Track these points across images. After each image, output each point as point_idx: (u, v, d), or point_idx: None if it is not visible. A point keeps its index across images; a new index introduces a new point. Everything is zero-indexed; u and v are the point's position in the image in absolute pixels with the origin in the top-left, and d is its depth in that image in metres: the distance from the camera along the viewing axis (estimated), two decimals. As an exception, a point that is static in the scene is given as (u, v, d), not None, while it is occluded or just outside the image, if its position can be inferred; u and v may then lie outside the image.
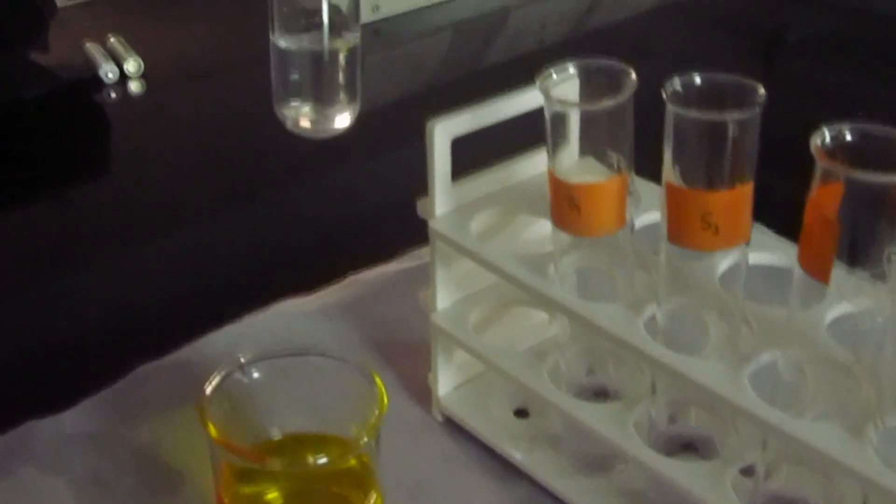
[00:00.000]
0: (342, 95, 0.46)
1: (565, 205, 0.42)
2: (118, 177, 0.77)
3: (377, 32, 0.98)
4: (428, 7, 1.02)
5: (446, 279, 0.51)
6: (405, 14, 1.01)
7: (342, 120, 0.46)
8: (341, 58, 0.46)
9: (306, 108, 0.46)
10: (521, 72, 0.91)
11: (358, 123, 0.83)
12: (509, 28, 1.04)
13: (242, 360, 0.44)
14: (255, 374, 0.45)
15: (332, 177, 0.75)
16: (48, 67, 0.85)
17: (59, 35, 0.89)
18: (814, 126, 0.85)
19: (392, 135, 0.81)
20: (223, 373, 0.44)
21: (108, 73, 0.87)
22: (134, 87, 0.87)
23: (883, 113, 0.83)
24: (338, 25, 0.45)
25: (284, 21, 0.45)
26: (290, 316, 0.59)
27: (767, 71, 1.00)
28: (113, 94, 0.86)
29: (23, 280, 0.65)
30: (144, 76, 0.88)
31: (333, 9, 0.45)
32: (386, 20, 0.99)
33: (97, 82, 0.86)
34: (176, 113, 0.85)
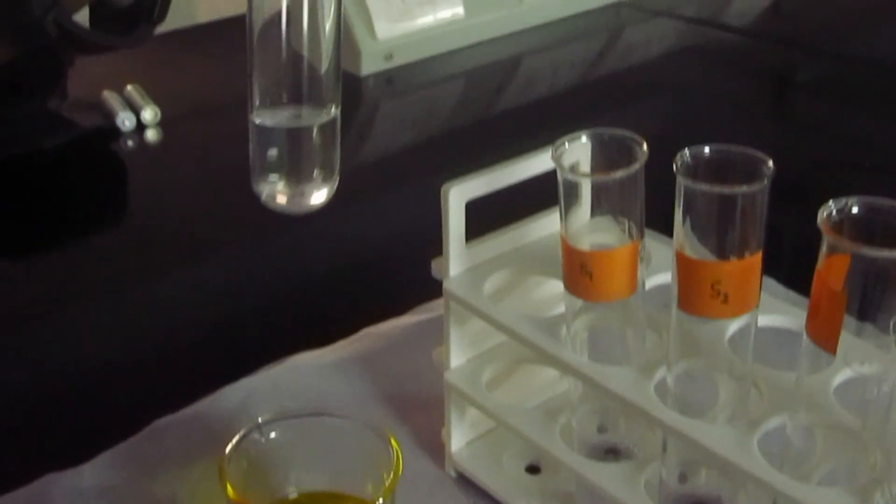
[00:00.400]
0: (319, 171, 0.45)
1: (577, 271, 0.43)
2: (132, 226, 0.78)
3: (390, 81, 0.99)
4: (440, 55, 1.03)
5: (460, 337, 0.51)
6: (418, 62, 1.02)
7: (318, 196, 0.45)
8: (320, 133, 0.45)
9: (282, 185, 0.45)
10: (534, 117, 0.92)
11: (372, 172, 0.85)
12: (521, 75, 1.06)
13: (260, 420, 0.45)
14: (273, 434, 0.45)
15: (345, 224, 0.76)
16: (66, 116, 0.87)
17: (78, 83, 0.90)
18: (822, 164, 0.86)
19: (406, 183, 0.83)
20: (241, 433, 0.45)
21: (125, 121, 0.88)
22: (151, 134, 0.89)
23: (890, 154, 0.85)
24: (317, 99, 0.45)
25: (262, 95, 0.45)
26: (305, 369, 0.60)
27: (776, 110, 1.01)
28: (130, 143, 0.88)
29: (39, 331, 0.66)
30: (161, 123, 0.89)
31: (313, 81, 0.45)
32: (399, 69, 1.01)
33: (114, 131, 0.87)
34: (191, 160, 0.86)
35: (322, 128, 0.45)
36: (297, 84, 0.45)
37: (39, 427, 0.58)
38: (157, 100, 0.90)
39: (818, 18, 1.21)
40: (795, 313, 0.47)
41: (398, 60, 1.01)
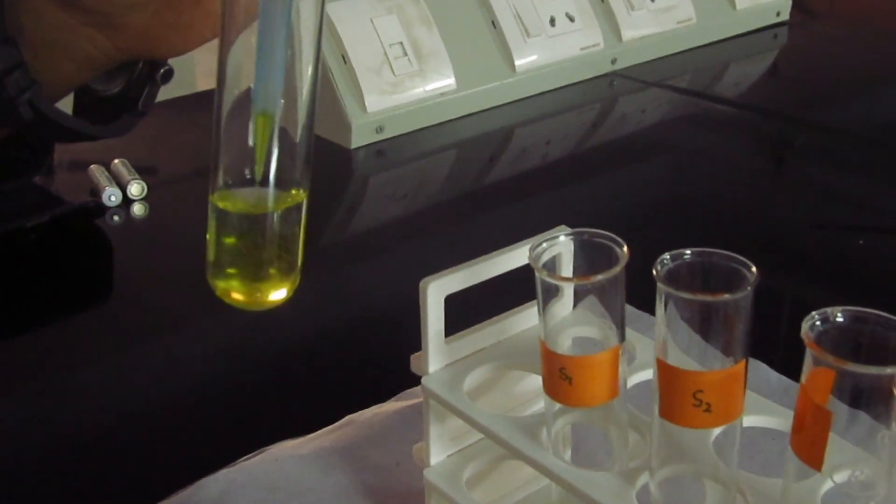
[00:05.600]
0: (282, 264, 0.42)
1: (556, 375, 0.42)
2: (109, 307, 0.77)
3: (380, 153, 0.99)
4: (431, 127, 1.03)
5: (440, 434, 0.50)
6: (409, 134, 1.01)
7: (278, 293, 0.42)
8: (284, 220, 0.42)
9: (239, 280, 0.42)
10: (528, 188, 0.92)
11: (360, 248, 0.84)
12: (513, 146, 1.05)
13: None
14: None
15: (330, 303, 0.75)
16: (52, 193, 0.86)
17: (65, 158, 0.90)
18: (819, 225, 0.86)
19: (394, 261, 0.82)
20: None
21: (112, 196, 0.87)
22: (137, 209, 0.88)
23: (880, 213, 0.85)
24: (287, 180, 0.42)
25: (226, 175, 0.42)
26: (285, 460, 0.59)
27: (774, 175, 1.00)
28: (116, 218, 0.87)
29: (12, 413, 0.65)
30: (148, 198, 0.89)
31: (283, 160, 0.42)
32: (389, 141, 1.00)
33: (100, 207, 0.87)
34: (176, 235, 0.85)
35: (287, 214, 0.42)
36: (265, 164, 0.42)
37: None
38: (144, 172, 0.90)
39: (815, 89, 1.21)
40: (782, 413, 0.46)
41: (389, 133, 1.00)
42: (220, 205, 0.42)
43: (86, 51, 0.60)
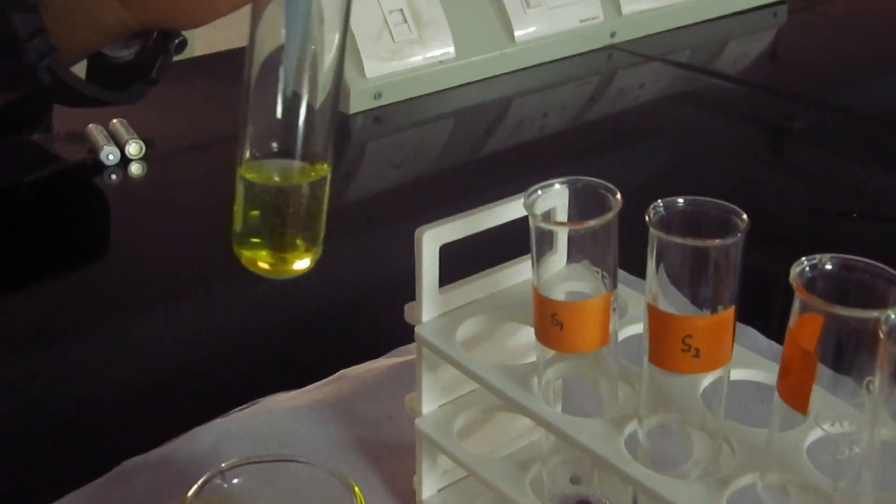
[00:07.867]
0: (307, 235, 0.43)
1: (548, 321, 0.43)
2: (109, 262, 0.78)
3: (378, 119, 0.99)
4: (429, 95, 1.03)
5: (432, 384, 0.51)
6: (407, 101, 1.02)
7: (302, 263, 0.44)
8: (311, 192, 0.43)
9: (265, 250, 0.43)
10: (523, 159, 0.92)
11: (355, 212, 0.84)
12: (511, 116, 1.05)
13: (223, 466, 0.44)
14: (236, 480, 0.44)
15: (326, 265, 0.76)
16: (51, 149, 0.86)
17: (63, 117, 0.90)
18: (815, 209, 0.86)
19: (388, 224, 0.82)
20: (204, 478, 0.44)
21: (110, 154, 0.87)
22: (135, 168, 0.88)
23: (883, 201, 0.85)
24: (313, 153, 0.43)
25: (254, 147, 0.43)
26: (278, 412, 0.59)
27: (770, 157, 1.01)
28: (113, 176, 0.87)
29: (7, 367, 0.65)
30: (145, 158, 0.89)
31: (311, 131, 0.43)
32: (387, 107, 1.00)
33: (98, 164, 0.87)
34: (174, 196, 0.85)
35: (313, 186, 0.43)
36: (291, 135, 0.43)
37: (3, 466, 0.57)
38: (142, 133, 0.90)
39: (813, 69, 1.21)
40: (770, 367, 0.46)
41: (387, 99, 1.00)
42: (248, 176, 0.43)
43: (105, 20, 0.61)
